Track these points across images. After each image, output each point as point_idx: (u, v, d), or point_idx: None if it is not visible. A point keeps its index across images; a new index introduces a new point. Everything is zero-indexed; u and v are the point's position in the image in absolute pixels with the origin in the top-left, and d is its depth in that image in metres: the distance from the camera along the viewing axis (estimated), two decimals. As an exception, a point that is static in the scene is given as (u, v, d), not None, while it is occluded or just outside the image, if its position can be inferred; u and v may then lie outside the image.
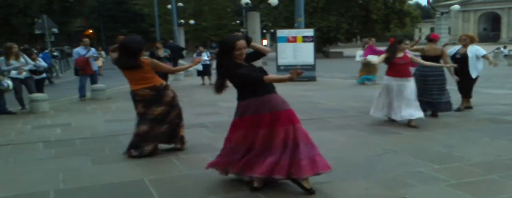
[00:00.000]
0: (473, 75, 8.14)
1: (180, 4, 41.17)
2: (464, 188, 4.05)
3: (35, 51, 15.60)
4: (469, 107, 8.43)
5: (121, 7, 61.45)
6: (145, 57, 5.46)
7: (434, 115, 7.70)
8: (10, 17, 37.70)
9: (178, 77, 16.84)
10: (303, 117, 8.03)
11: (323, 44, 41.68)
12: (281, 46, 15.34)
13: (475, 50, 8.08)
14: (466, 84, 8.27)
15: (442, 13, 31.37)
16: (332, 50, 44.99)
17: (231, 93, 4.21)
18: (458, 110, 8.19)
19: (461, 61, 7.99)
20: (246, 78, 3.90)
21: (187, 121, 7.81)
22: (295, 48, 15.26)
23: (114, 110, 9.55)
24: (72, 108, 9.96)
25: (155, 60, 5.60)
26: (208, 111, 9.00)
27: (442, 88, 7.64)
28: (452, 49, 8.50)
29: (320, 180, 4.34)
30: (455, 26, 72.79)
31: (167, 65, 5.84)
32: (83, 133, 7.01)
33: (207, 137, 6.49)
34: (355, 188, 4.16)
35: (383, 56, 7.03)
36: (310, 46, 15.36)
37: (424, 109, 7.26)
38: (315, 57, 15.53)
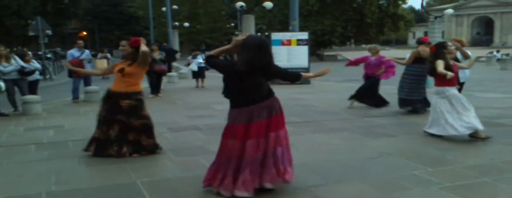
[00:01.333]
0: (462, 80, 7.98)
1: (175, 6, 41.12)
2: (458, 191, 4.06)
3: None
4: None
5: (115, 9, 61.33)
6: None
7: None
8: (3, 18, 37.52)
9: (173, 79, 16.80)
10: (298, 120, 8.04)
11: (318, 48, 41.77)
12: (275, 49, 15.24)
13: None
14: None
15: (435, 17, 31.46)
16: (326, 53, 45.09)
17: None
18: None
19: None
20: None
21: (181, 123, 7.83)
22: (290, 51, 15.28)
23: (108, 112, 9.50)
24: (65, 110, 9.90)
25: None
26: (202, 113, 8.97)
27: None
28: None
29: (314, 182, 4.35)
30: (448, 30, 73.08)
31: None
32: (76, 135, 6.96)
33: (201, 140, 6.46)
34: (349, 190, 4.16)
35: (442, 65, 6.12)
36: (304, 50, 15.39)
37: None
38: (309, 61, 15.57)
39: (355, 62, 9.65)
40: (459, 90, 8.24)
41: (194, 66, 14.49)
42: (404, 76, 8.51)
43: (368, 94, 9.33)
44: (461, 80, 8.05)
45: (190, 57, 15.12)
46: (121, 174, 4.81)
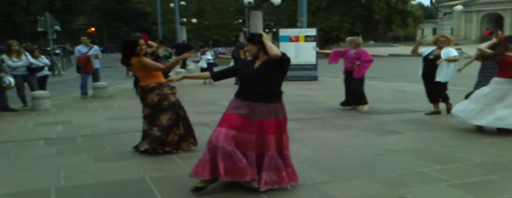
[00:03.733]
0: (439, 79, 7.69)
1: (182, 2, 41.19)
2: (465, 189, 4.05)
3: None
4: (438, 112, 8.07)
5: (123, 5, 61.58)
6: (138, 57, 5.27)
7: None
8: (12, 14, 37.78)
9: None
10: (305, 117, 8.05)
11: (326, 44, 41.66)
12: (283, 45, 15.33)
13: (448, 52, 7.64)
14: (437, 89, 7.87)
15: (445, 14, 31.40)
16: (330, 51, 44.92)
17: (232, 93, 4.22)
18: (430, 113, 8.02)
19: (433, 63, 7.64)
20: None
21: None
22: (297, 47, 15.26)
23: (116, 107, 9.55)
24: (74, 106, 9.97)
25: (144, 59, 5.28)
26: (209, 109, 8.99)
27: None
28: (424, 50, 7.97)
29: (320, 179, 4.36)
30: (457, 27, 72.56)
31: (156, 64, 5.38)
32: (85, 131, 7.01)
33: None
34: (355, 188, 4.16)
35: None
36: (312, 46, 15.36)
37: None
38: (317, 57, 15.54)
39: (335, 58, 8.93)
40: (441, 90, 7.83)
41: (203, 64, 14.52)
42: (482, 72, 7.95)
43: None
44: (442, 80, 7.70)
45: (199, 54, 15.15)
46: (129, 169, 4.84)
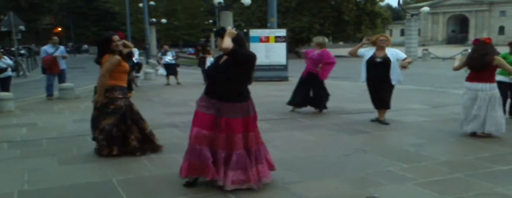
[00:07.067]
0: (394, 82, 7.09)
1: (152, 2, 40.74)
2: (431, 187, 4.12)
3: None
4: (385, 122, 7.32)
5: (91, 4, 60.43)
6: (112, 54, 5.21)
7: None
8: (-26, 13, 36.60)
9: (149, 76, 16.64)
10: (274, 117, 8.06)
11: (296, 45, 41.92)
12: (253, 46, 15.30)
13: (395, 53, 7.10)
14: (387, 93, 7.21)
15: (412, 15, 31.90)
16: (304, 50, 45.23)
17: (201, 93, 4.18)
18: (376, 120, 7.43)
19: (382, 66, 7.01)
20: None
21: (158, 120, 7.74)
22: (268, 48, 15.29)
23: (83, 109, 9.35)
24: (39, 107, 9.71)
25: (109, 61, 5.16)
26: (179, 110, 8.92)
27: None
28: (364, 51, 7.34)
29: (290, 179, 4.37)
30: (424, 28, 74.22)
31: (106, 70, 5.12)
32: (50, 133, 6.84)
33: (178, 137, 6.42)
34: (325, 187, 4.19)
35: None
36: (282, 47, 15.42)
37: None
38: (288, 58, 15.60)
39: (313, 65, 8.28)
40: (390, 94, 7.26)
41: (162, 71, 14.13)
42: None
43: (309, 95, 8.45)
44: (397, 82, 7.14)
45: (159, 54, 14.77)
46: (97, 172, 4.74)
